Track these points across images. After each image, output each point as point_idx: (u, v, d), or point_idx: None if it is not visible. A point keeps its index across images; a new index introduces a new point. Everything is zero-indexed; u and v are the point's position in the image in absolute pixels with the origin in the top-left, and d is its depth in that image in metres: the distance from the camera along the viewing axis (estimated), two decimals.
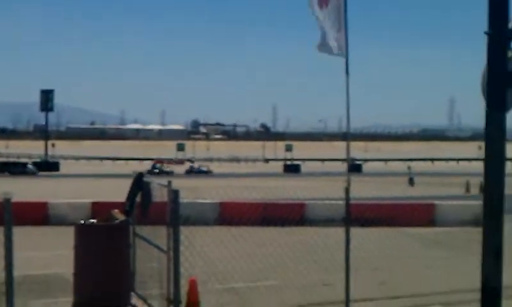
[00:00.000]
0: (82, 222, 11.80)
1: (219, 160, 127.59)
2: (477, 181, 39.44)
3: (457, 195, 33.95)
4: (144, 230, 11.14)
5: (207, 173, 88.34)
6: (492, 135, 4.14)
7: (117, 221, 11.31)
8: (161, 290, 10.44)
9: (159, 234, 10.10)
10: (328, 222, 20.91)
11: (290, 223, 20.08)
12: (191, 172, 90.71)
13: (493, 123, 4.13)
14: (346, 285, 11.05)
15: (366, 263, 13.58)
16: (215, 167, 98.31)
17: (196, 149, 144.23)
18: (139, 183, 11.71)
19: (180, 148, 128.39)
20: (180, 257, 9.50)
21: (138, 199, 11.65)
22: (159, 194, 10.53)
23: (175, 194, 9.87)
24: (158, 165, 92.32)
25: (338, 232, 18.08)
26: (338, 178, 53.60)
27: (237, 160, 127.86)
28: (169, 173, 78.62)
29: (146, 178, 11.96)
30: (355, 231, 18.49)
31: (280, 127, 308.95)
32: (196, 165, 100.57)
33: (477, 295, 11.97)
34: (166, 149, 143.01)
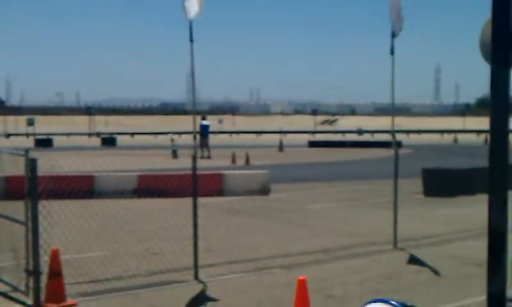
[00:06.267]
0: None
1: None
2: (241, 153, 40.96)
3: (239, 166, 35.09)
4: None
5: None
6: (498, 92, 4.50)
7: None
8: (14, 262, 10.00)
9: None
10: (116, 194, 20.96)
11: (79, 196, 19.72)
12: None
13: (500, 79, 4.48)
14: (195, 251, 11.24)
15: (180, 232, 13.62)
16: None
17: None
18: None
19: None
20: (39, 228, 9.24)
21: None
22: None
23: (32, 163, 9.51)
24: None
25: (135, 203, 18.12)
26: (95, 152, 53.08)
27: None
28: None
29: None
30: (151, 202, 18.64)
31: (14, 101, 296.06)
32: None
33: (309, 258, 12.70)
34: None
